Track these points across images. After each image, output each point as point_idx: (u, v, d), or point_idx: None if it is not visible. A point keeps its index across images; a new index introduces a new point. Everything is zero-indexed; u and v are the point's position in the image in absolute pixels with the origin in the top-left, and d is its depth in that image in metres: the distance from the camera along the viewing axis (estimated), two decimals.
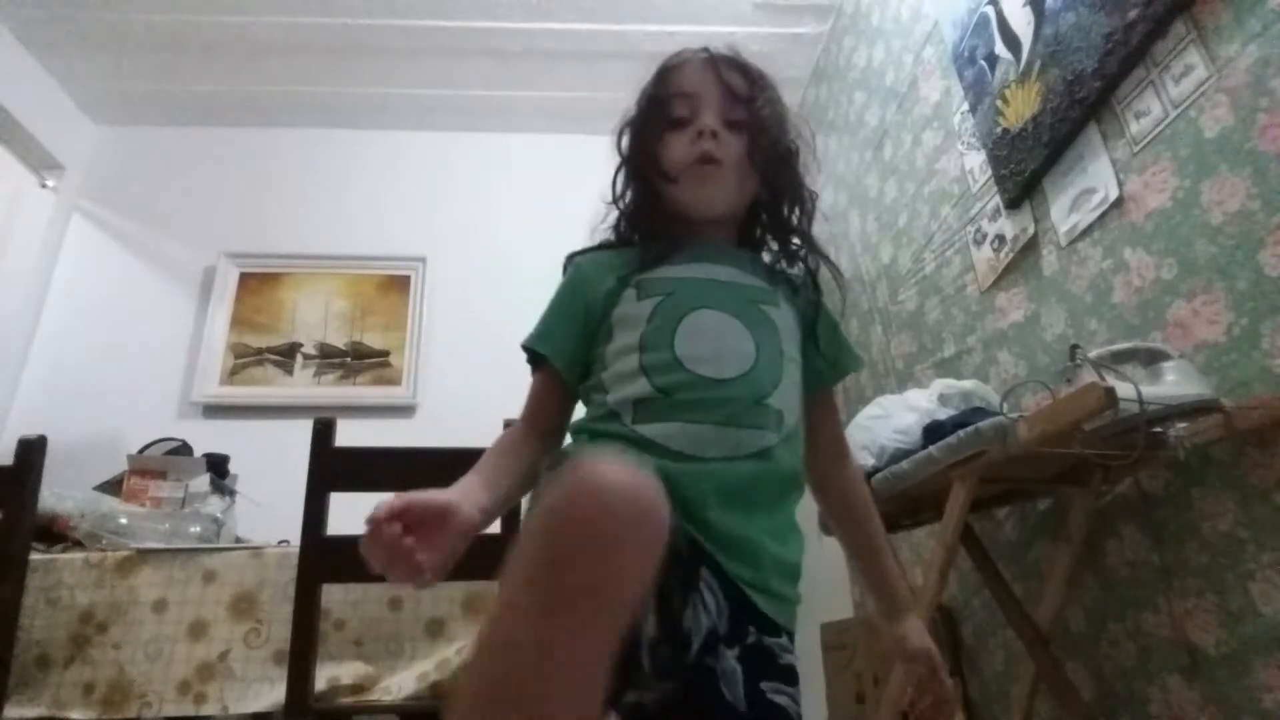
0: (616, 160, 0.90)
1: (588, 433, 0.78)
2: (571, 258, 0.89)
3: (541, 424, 0.83)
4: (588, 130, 2.83)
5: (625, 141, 0.89)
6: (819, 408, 0.86)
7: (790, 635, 0.72)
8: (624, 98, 0.89)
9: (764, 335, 0.78)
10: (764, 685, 0.66)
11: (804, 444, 0.79)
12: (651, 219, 0.88)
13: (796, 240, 0.89)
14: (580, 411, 0.82)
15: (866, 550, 0.88)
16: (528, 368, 0.85)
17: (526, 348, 0.84)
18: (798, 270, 0.89)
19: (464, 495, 0.64)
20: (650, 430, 0.73)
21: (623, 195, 0.91)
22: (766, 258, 0.90)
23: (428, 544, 0.57)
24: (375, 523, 0.56)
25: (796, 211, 0.88)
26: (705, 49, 0.87)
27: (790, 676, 0.69)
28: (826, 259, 0.89)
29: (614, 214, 0.91)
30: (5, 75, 2.44)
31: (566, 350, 0.83)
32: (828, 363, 0.88)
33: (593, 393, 0.81)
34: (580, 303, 0.83)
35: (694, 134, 0.82)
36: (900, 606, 0.85)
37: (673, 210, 0.86)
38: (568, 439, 0.83)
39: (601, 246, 0.90)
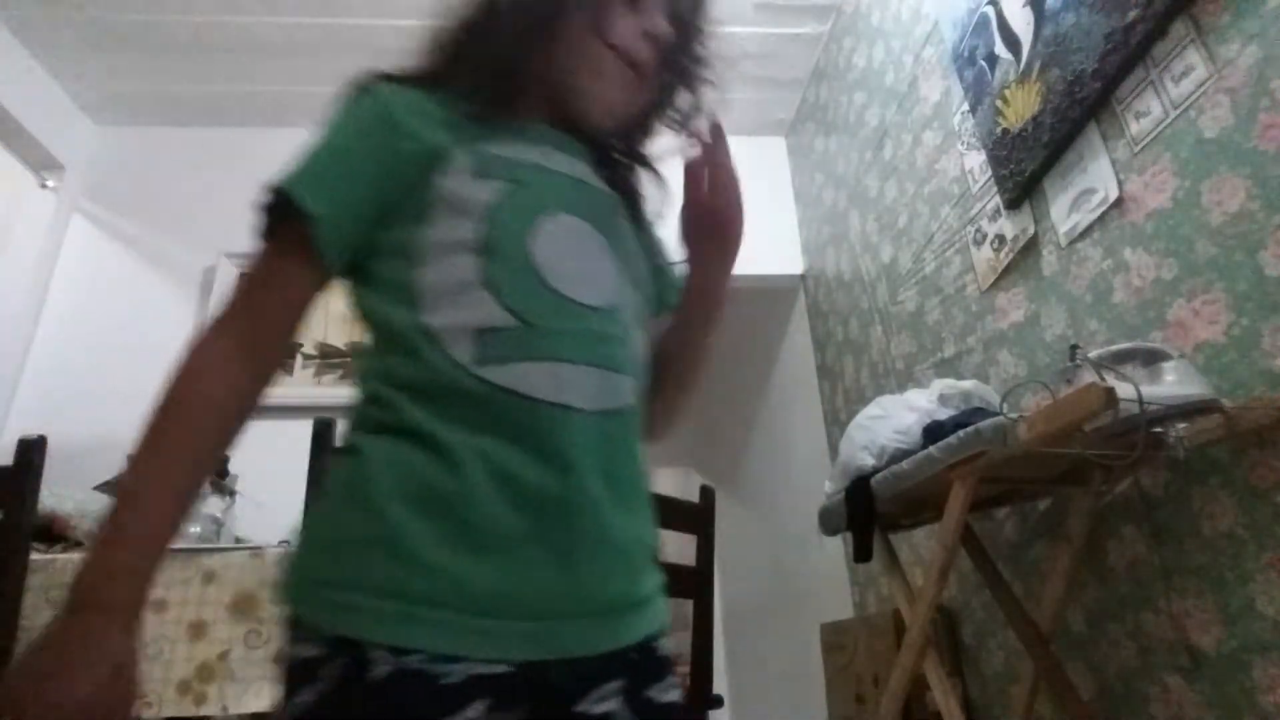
0: None
1: (398, 385, 0.53)
2: (368, 84, 0.62)
3: (272, 332, 0.56)
4: None
5: None
6: None
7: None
8: None
9: (624, 256, 0.64)
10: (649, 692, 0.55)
11: None
12: (517, 69, 0.64)
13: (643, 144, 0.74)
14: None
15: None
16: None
17: (283, 193, 0.55)
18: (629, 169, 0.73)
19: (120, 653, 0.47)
20: (506, 376, 0.52)
21: (490, 13, 0.66)
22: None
23: None
24: None
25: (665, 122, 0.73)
26: None
27: (668, 669, 0.59)
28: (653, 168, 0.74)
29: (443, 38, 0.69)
30: (5, 75, 2.44)
31: (349, 213, 0.56)
32: (658, 294, 0.72)
33: (385, 301, 0.56)
34: (388, 152, 0.57)
35: (642, 28, 0.65)
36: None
37: (553, 82, 0.65)
38: (362, 392, 0.57)
39: (409, 79, 0.65)
